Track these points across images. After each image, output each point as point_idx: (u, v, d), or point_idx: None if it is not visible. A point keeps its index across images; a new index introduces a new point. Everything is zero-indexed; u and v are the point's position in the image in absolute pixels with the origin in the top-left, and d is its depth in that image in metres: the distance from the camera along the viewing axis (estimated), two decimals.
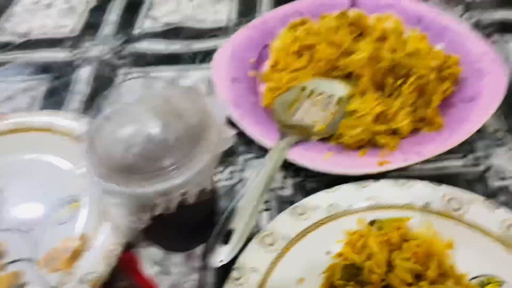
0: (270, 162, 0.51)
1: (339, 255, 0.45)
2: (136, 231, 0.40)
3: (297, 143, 0.53)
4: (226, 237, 0.45)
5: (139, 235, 0.50)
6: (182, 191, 0.38)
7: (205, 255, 0.48)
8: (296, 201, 0.49)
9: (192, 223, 0.45)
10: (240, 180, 0.55)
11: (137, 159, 0.37)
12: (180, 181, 0.37)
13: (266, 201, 0.52)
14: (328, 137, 0.55)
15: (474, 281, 0.41)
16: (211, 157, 0.39)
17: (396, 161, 0.49)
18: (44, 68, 0.75)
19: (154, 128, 0.38)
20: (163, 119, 0.38)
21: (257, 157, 0.57)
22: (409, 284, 0.39)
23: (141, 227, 0.39)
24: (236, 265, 0.44)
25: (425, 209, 0.46)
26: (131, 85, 0.41)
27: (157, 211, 0.38)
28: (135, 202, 0.38)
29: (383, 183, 0.49)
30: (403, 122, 0.54)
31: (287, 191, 0.53)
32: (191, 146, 0.38)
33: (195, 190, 0.40)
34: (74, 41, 0.80)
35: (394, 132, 0.54)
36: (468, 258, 0.43)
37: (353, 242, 0.45)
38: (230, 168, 0.56)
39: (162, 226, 0.44)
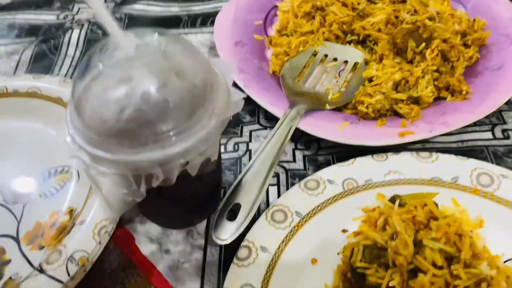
0: (279, 133, 0.46)
1: (356, 233, 0.41)
2: (130, 205, 0.35)
3: (308, 112, 0.48)
4: (232, 213, 0.41)
5: (134, 210, 0.45)
6: (183, 161, 0.33)
7: (208, 232, 0.43)
8: (307, 176, 0.45)
9: (194, 198, 0.41)
10: (246, 153, 0.50)
11: (131, 123, 0.32)
12: (180, 149, 0.32)
13: (274, 175, 0.47)
14: (343, 106, 0.50)
15: (508, 263, 0.37)
16: (218, 123, 0.34)
17: (419, 132, 0.44)
18: (31, 31, 0.69)
19: (150, 88, 0.33)
20: (161, 77, 0.33)
21: (264, 128, 0.52)
22: (439, 268, 0.34)
23: (137, 201, 0.34)
24: (244, 243, 0.39)
25: (453, 184, 0.42)
26: (124, 39, 0.36)
27: (155, 183, 0.33)
28: (130, 172, 0.33)
29: (404, 155, 0.44)
30: (426, 90, 0.49)
31: (297, 165, 0.48)
32: (194, 109, 0.33)
33: (198, 160, 0.35)
34: (63, 3, 0.74)
35: (416, 101, 0.49)
36: (500, 238, 0.38)
37: (372, 220, 0.41)
38: (234, 140, 0.51)
39: (160, 200, 0.39)
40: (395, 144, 0.44)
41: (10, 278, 0.39)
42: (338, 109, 0.50)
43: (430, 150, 0.47)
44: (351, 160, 0.44)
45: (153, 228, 0.44)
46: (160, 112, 0.32)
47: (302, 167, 0.48)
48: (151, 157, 0.31)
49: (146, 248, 0.43)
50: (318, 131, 0.46)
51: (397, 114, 0.48)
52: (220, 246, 0.42)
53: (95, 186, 0.34)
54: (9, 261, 0.41)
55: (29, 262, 0.40)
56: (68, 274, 0.37)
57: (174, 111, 0.33)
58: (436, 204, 0.39)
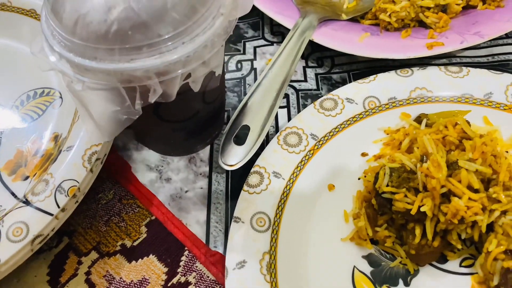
0: (290, 47, 0.40)
1: (377, 157, 0.37)
2: (124, 126, 0.30)
3: (322, 22, 0.42)
4: (239, 137, 0.36)
5: (128, 135, 0.41)
6: (184, 71, 0.28)
7: (212, 159, 0.39)
8: (320, 96, 0.40)
9: (196, 120, 0.36)
10: (251, 72, 0.44)
11: (121, 24, 0.26)
12: (180, 56, 0.27)
13: (284, 96, 0.42)
14: (360, 17, 0.44)
15: None
16: (224, 24, 0.29)
17: (450, 43, 0.39)
18: None
19: None
20: None
21: (270, 43, 0.46)
22: (475, 191, 0.31)
23: (132, 119, 0.29)
24: (254, 169, 0.35)
25: (485, 101, 0.37)
26: None
27: (152, 98, 0.28)
28: (122, 85, 0.27)
29: (431, 70, 0.39)
30: None
31: (309, 84, 0.43)
32: (196, 8, 0.27)
33: (201, 72, 0.29)
34: None
35: (443, 10, 0.43)
36: None
37: (395, 142, 0.37)
38: (237, 58, 0.46)
39: (158, 122, 0.34)
40: (422, 57, 0.39)
41: None
42: (355, 20, 0.44)
43: (457, 65, 0.42)
44: (372, 77, 0.39)
45: (151, 155, 0.39)
46: (155, 12, 0.26)
47: (314, 86, 0.43)
48: (147, 65, 0.26)
49: (144, 176, 0.38)
50: (335, 43, 0.40)
51: (422, 25, 0.43)
52: (226, 173, 0.38)
53: (80, 105, 0.29)
54: None
55: (13, 194, 0.36)
56: (58, 205, 0.33)
57: (172, 10, 0.27)
58: (468, 123, 0.35)
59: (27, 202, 0.33)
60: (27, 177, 0.37)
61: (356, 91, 0.38)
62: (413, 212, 0.31)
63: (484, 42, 0.42)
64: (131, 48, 0.26)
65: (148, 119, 0.32)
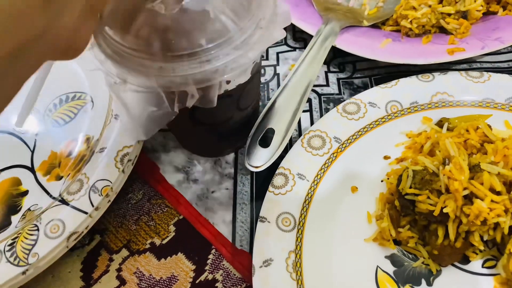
0: (313, 53, 0.41)
1: (400, 160, 0.38)
2: (161, 125, 0.31)
3: (344, 29, 0.43)
4: (264, 140, 0.37)
5: (156, 137, 0.42)
6: (222, 79, 0.29)
7: (237, 161, 0.40)
8: (342, 101, 0.41)
9: (230, 125, 0.37)
10: (274, 77, 0.46)
11: (166, 34, 0.27)
12: (219, 65, 0.28)
13: (307, 101, 0.43)
14: (381, 23, 0.45)
15: None
16: (264, 37, 0.29)
17: (471, 49, 0.40)
18: None
19: None
20: None
21: (293, 49, 0.48)
22: (497, 193, 0.31)
23: (167, 120, 0.30)
24: (279, 170, 0.36)
25: (506, 106, 0.38)
26: None
27: (190, 103, 0.29)
28: (162, 89, 0.29)
29: (452, 75, 0.40)
30: (475, 3, 0.43)
31: (331, 89, 0.44)
32: (236, 19, 0.29)
33: (240, 80, 0.30)
34: None
35: (463, 16, 0.44)
36: None
37: (417, 145, 0.37)
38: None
39: (192, 123, 0.36)
40: (444, 62, 0.40)
41: (29, 209, 0.37)
42: (376, 27, 0.45)
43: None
44: (394, 81, 0.40)
45: (178, 157, 0.41)
46: (198, 22, 0.28)
47: (336, 91, 0.44)
48: (186, 73, 0.27)
49: (172, 177, 0.40)
50: (357, 49, 0.41)
51: (443, 31, 0.43)
52: (251, 175, 0.39)
53: (121, 105, 0.31)
54: (26, 192, 0.38)
55: (48, 193, 0.38)
56: (92, 204, 0.34)
57: (215, 21, 0.28)
58: (489, 127, 0.36)
59: (63, 201, 0.35)
60: (61, 177, 0.38)
61: (379, 96, 0.39)
62: (435, 213, 0.31)
63: (504, 48, 0.43)
64: (173, 56, 0.27)
65: (183, 120, 0.33)
